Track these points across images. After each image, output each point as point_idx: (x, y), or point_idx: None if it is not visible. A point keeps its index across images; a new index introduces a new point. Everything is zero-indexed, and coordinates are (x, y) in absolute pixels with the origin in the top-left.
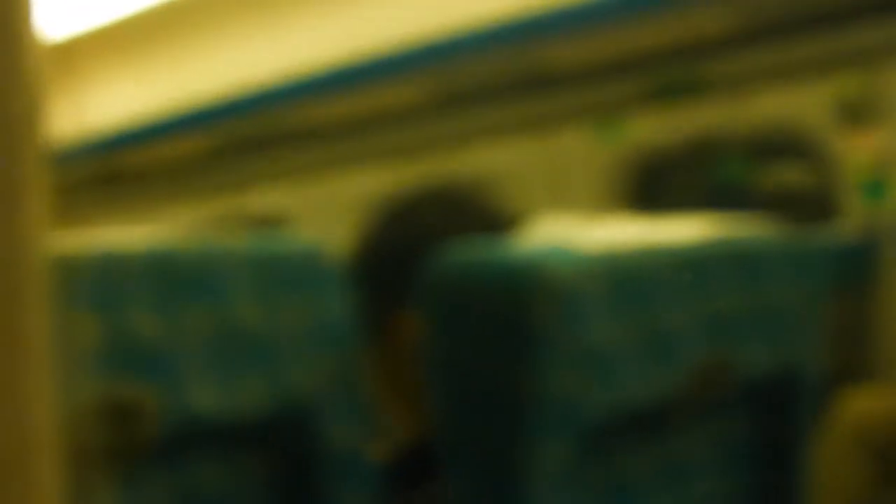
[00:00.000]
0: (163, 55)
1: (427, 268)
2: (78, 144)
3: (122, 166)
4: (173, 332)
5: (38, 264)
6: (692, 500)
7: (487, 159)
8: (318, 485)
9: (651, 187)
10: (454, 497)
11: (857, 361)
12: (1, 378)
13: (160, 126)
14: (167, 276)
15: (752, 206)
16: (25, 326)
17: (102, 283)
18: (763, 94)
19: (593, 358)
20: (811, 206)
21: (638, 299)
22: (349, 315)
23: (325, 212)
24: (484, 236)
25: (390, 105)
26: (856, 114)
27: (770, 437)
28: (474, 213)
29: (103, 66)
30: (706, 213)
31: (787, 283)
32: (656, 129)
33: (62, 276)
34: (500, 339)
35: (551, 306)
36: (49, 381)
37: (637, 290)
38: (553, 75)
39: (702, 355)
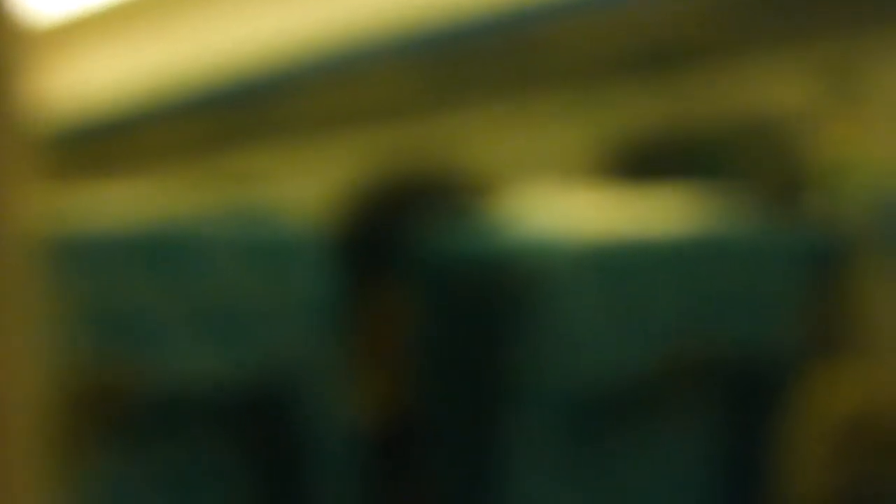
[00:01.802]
0: (155, 34)
1: (413, 247)
2: (68, 124)
3: (113, 146)
4: (159, 305)
5: (28, 239)
6: (669, 477)
7: (479, 148)
8: (299, 458)
9: (637, 175)
10: (434, 472)
11: (830, 344)
12: None
13: (156, 108)
14: (154, 250)
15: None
16: (14, 300)
17: (91, 256)
18: (740, 80)
19: (573, 339)
20: (783, 191)
21: (617, 283)
22: (333, 291)
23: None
24: (468, 215)
25: (381, 93)
26: (834, 100)
27: (746, 416)
28: (455, 196)
29: (92, 48)
30: (685, 188)
31: (764, 268)
32: (643, 117)
33: (51, 250)
34: (482, 320)
35: (533, 290)
36: (36, 351)
37: (616, 274)
38: (541, 64)
39: (679, 337)
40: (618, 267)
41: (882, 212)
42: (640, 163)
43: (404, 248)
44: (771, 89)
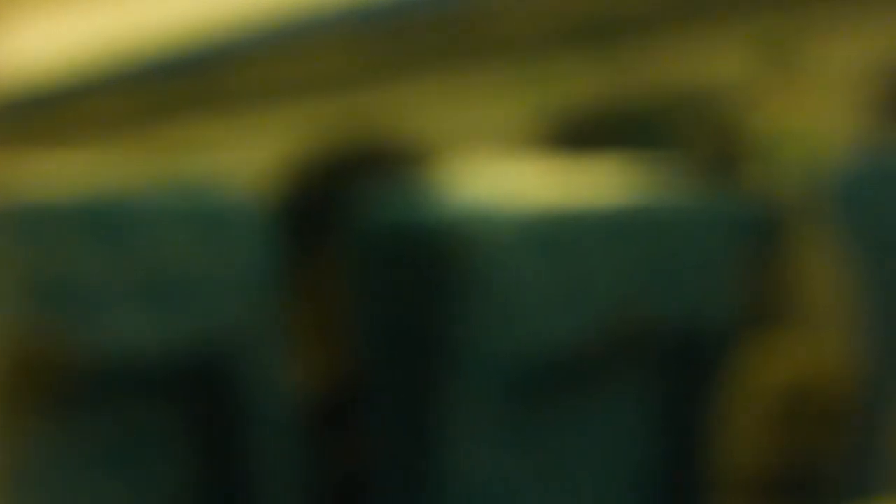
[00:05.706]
0: (99, 3)
1: (354, 217)
2: (11, 93)
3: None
4: (100, 274)
5: None
6: (608, 445)
7: (421, 119)
8: (241, 426)
9: (577, 146)
10: (375, 439)
11: (768, 314)
12: None
13: (97, 77)
14: (95, 220)
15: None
16: None
17: (32, 225)
18: (679, 52)
19: (514, 308)
20: (721, 162)
21: (557, 253)
22: (274, 260)
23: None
24: (410, 186)
25: (324, 64)
26: (771, 72)
27: (685, 386)
28: (397, 166)
29: (35, 18)
30: (625, 159)
31: (702, 239)
32: (583, 88)
33: None
34: (424, 289)
35: (473, 259)
36: None
37: (556, 243)
38: (481, 35)
39: (618, 307)
40: (558, 237)
41: (818, 183)
42: (581, 134)
43: (346, 217)
44: (708, 61)
